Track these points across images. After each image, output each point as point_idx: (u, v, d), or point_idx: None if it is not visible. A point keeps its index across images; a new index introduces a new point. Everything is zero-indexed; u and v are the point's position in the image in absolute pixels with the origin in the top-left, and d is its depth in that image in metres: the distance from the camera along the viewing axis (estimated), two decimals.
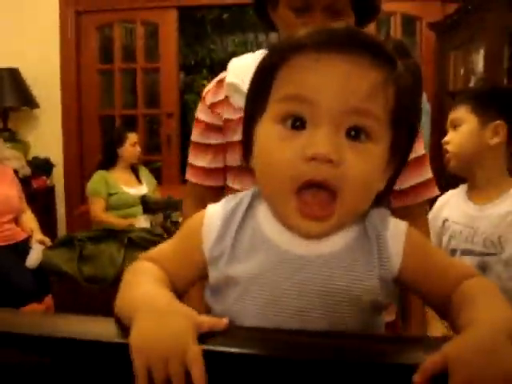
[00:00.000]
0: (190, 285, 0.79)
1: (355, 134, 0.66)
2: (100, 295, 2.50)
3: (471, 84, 3.51)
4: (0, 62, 4.27)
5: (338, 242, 0.71)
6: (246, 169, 0.77)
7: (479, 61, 3.44)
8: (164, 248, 0.79)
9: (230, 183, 1.24)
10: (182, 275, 0.76)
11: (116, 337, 0.63)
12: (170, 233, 2.79)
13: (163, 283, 0.71)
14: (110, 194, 3.70)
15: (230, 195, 0.79)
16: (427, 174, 1.28)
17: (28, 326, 0.67)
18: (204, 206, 0.77)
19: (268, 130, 0.69)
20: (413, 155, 1.26)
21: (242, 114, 0.78)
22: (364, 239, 0.71)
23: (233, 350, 0.59)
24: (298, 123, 0.66)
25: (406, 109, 0.70)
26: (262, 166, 0.70)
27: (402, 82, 0.70)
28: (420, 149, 1.27)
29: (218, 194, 1.26)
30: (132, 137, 3.87)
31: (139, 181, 3.92)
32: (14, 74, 4.32)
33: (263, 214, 0.74)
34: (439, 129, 1.30)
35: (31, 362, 0.65)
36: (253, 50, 1.30)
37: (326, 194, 0.66)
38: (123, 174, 3.83)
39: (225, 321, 0.63)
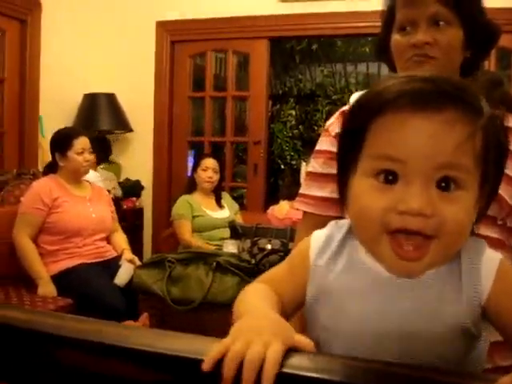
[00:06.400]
0: (298, 308, 0.82)
1: (445, 185, 0.68)
2: (186, 317, 2.53)
3: None
4: (98, 88, 4.50)
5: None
6: None
7: None
8: (276, 271, 0.85)
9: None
10: (291, 296, 0.80)
11: None
12: (256, 259, 2.80)
13: (271, 302, 0.75)
14: (194, 217, 3.80)
15: (332, 221, 0.84)
16: None
17: (147, 342, 0.67)
18: None
19: (361, 183, 0.72)
20: None
21: None
22: (456, 266, 0.73)
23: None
24: (390, 177, 0.69)
25: (494, 148, 0.72)
26: (355, 214, 0.74)
27: (489, 126, 0.71)
28: None
29: None
30: (204, 162, 3.94)
31: (220, 205, 4.00)
32: (110, 99, 4.53)
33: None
34: None
35: (150, 378, 0.65)
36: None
37: (421, 237, 0.68)
38: (205, 198, 3.97)
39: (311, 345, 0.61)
